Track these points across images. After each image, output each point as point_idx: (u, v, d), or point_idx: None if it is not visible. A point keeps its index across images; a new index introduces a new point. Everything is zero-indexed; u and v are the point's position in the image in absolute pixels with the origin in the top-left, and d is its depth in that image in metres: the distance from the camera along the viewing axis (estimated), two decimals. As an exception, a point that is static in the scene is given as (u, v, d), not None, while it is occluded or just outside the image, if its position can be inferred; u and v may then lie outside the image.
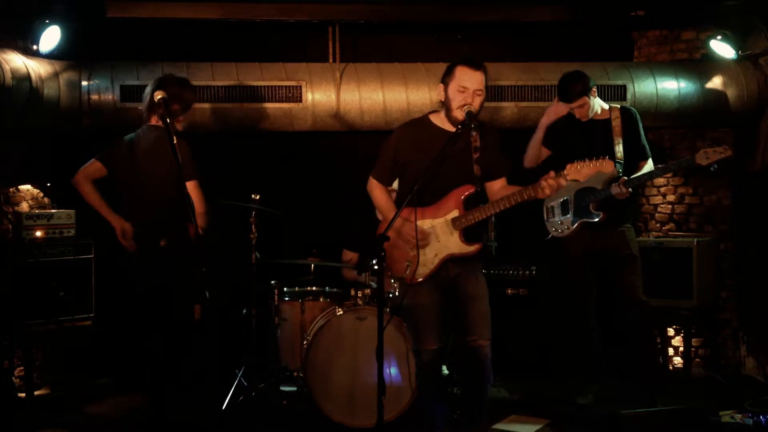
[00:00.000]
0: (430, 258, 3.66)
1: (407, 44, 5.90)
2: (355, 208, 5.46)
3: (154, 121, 4.18)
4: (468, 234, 3.64)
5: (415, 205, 3.57)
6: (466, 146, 3.59)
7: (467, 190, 3.62)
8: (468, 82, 3.57)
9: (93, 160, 4.26)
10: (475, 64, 3.60)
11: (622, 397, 4.68)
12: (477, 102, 3.58)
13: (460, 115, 3.55)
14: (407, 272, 3.65)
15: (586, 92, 4.55)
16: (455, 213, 3.63)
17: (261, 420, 4.53)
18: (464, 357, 3.75)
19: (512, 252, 5.47)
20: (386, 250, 3.58)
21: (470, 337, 3.66)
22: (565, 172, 3.49)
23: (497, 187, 3.71)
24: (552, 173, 3.48)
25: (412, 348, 3.87)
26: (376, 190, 3.82)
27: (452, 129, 3.61)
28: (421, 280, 3.66)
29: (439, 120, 3.70)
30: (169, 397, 4.11)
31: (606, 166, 3.48)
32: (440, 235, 3.65)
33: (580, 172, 3.48)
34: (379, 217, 4.26)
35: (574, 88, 4.55)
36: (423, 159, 3.55)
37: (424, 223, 3.64)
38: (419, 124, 3.75)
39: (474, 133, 3.59)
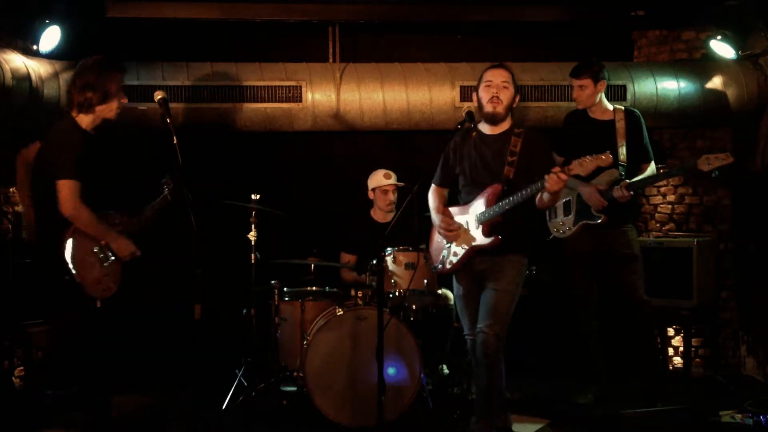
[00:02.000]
0: (459, 250, 3.95)
1: (407, 44, 5.89)
2: (354, 208, 5.46)
3: (75, 112, 3.80)
4: (491, 228, 3.84)
5: (416, 204, 3.78)
6: (502, 149, 3.86)
7: (496, 189, 3.84)
8: (492, 77, 3.89)
9: (36, 141, 3.94)
10: (498, 64, 3.97)
11: (622, 397, 4.69)
12: (504, 94, 3.86)
13: (489, 108, 3.86)
14: (441, 261, 4.03)
15: (591, 74, 4.64)
16: (482, 209, 3.87)
17: (261, 420, 4.52)
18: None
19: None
20: (430, 242, 4.14)
21: (478, 324, 3.83)
22: (569, 167, 3.60)
23: None
24: (557, 168, 3.61)
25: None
26: (430, 192, 4.14)
27: (492, 131, 3.93)
28: (450, 268, 4.00)
29: (483, 124, 3.96)
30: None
31: (604, 160, 3.58)
32: (470, 229, 3.94)
33: (583, 166, 3.59)
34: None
35: (581, 66, 4.70)
36: (465, 160, 3.96)
37: (461, 219, 3.97)
38: (466, 128, 3.93)
39: (514, 139, 3.85)
